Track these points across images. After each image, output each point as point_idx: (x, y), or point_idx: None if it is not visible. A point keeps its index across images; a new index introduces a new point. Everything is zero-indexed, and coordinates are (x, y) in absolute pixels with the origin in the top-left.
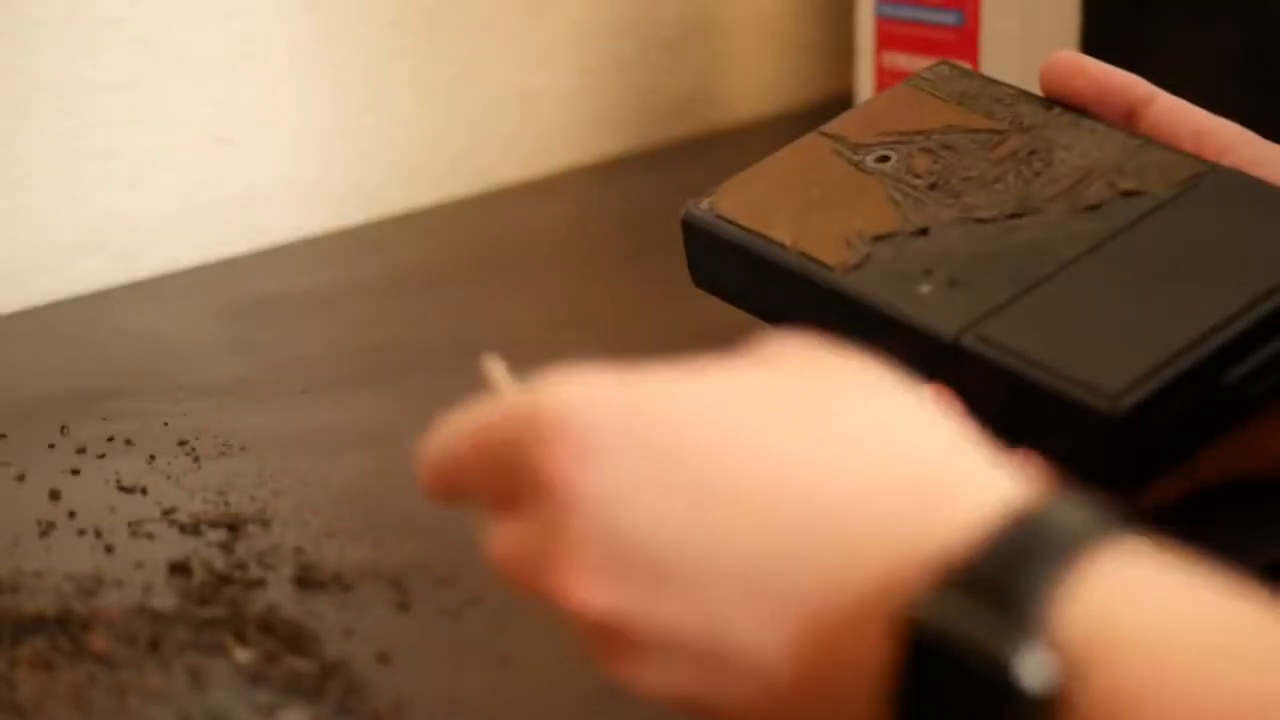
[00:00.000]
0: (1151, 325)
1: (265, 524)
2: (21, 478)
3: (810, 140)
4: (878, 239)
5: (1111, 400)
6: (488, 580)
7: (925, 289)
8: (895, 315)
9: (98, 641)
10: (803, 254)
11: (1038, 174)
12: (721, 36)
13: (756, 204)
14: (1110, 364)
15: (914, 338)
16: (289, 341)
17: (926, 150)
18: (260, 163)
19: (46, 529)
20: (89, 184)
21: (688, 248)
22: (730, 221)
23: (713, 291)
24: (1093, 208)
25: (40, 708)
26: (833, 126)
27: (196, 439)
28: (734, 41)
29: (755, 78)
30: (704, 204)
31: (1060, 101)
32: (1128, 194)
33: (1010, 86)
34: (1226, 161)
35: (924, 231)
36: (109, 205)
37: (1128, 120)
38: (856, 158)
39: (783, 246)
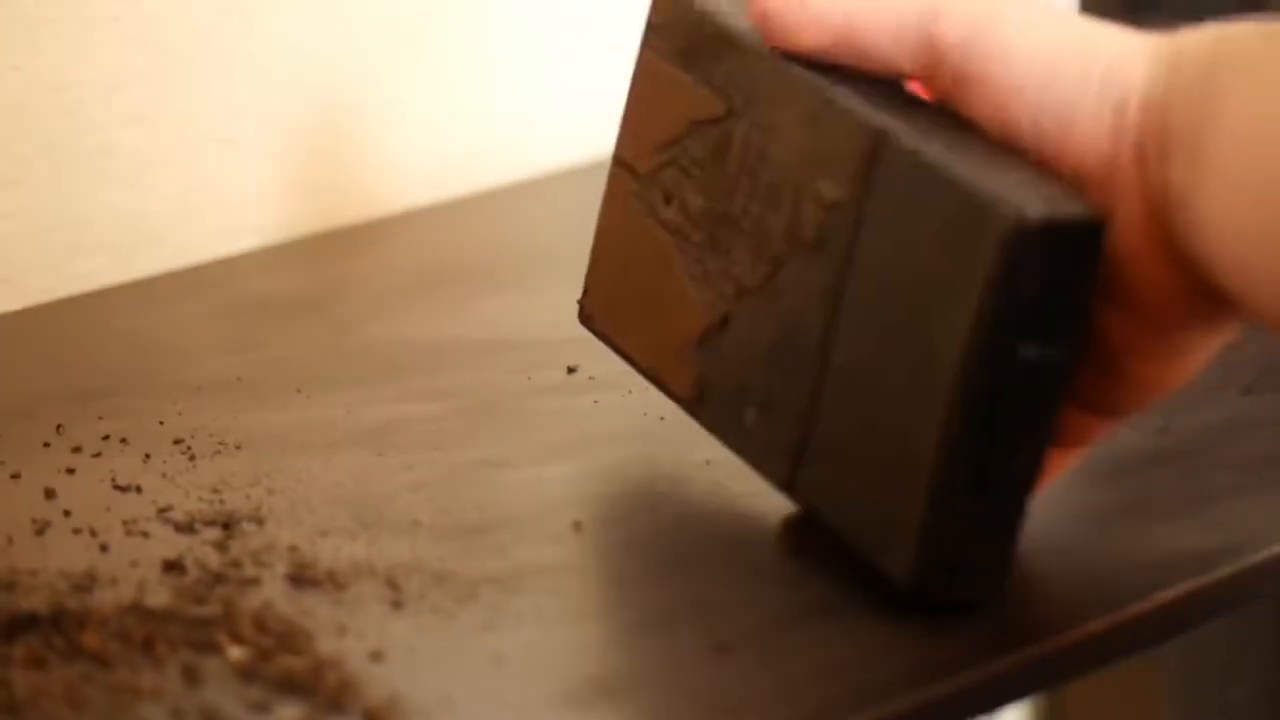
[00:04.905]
0: (899, 464)
1: (260, 522)
2: (16, 476)
3: (615, 183)
4: (700, 344)
5: (903, 573)
6: (481, 579)
7: (750, 416)
8: (741, 457)
9: (92, 639)
10: (658, 380)
11: (765, 198)
12: None
13: (611, 303)
14: (888, 532)
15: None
16: (285, 341)
17: (684, 173)
18: (260, 163)
19: (41, 527)
20: (88, 183)
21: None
22: (601, 335)
23: None
24: (815, 245)
25: (34, 706)
26: (621, 147)
27: (192, 438)
28: None
29: None
30: (583, 310)
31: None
32: (830, 207)
33: (724, 23)
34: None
35: (725, 321)
36: (108, 204)
37: None
38: (650, 201)
39: (641, 367)
